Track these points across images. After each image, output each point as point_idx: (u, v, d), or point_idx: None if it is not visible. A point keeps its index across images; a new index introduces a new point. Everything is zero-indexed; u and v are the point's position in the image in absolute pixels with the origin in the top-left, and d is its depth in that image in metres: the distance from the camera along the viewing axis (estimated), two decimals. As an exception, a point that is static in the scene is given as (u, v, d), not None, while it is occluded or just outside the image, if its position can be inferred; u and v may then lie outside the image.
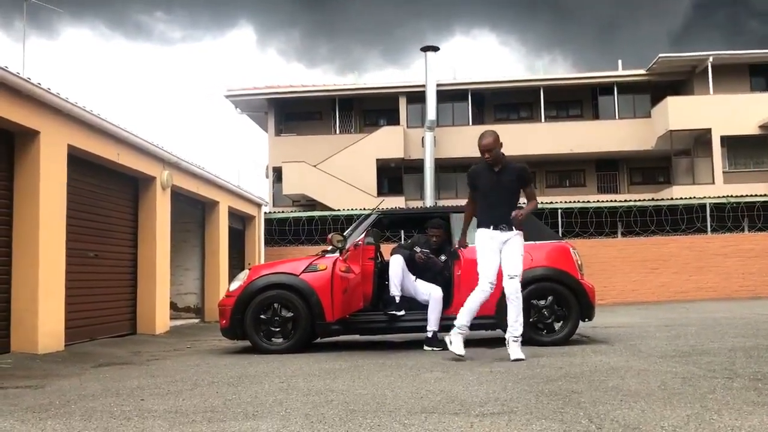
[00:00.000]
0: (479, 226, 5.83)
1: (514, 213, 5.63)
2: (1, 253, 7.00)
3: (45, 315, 7.18)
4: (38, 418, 3.62)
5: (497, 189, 5.76)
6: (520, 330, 5.60)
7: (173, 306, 12.71)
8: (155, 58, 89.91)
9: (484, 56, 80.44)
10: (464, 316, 5.73)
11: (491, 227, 5.71)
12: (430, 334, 6.66)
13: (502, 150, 5.89)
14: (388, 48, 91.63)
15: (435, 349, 6.51)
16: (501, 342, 6.98)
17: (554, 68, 69.48)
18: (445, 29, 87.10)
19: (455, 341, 5.70)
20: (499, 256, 5.69)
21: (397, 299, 6.71)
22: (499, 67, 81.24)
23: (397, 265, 6.74)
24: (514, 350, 5.53)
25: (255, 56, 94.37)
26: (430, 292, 6.73)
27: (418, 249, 6.95)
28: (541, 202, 16.00)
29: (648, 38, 76.93)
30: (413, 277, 6.90)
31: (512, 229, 5.68)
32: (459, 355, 5.62)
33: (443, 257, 7.02)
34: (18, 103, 6.89)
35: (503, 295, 5.79)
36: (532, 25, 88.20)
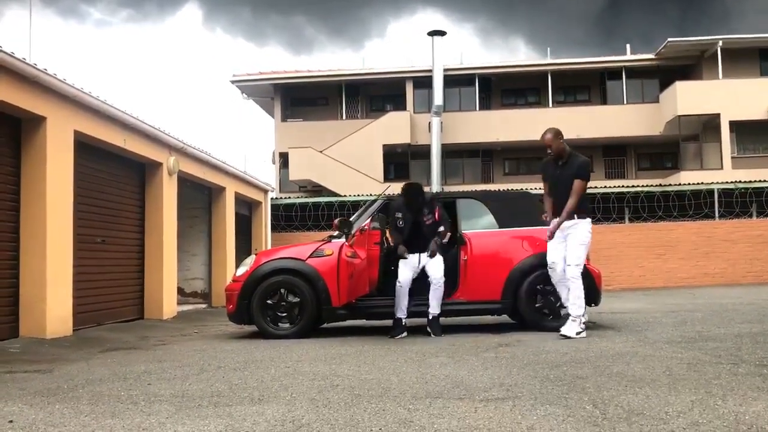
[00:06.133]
0: (552, 215, 6.26)
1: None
2: (9, 239, 7.03)
3: (53, 300, 7.23)
4: (46, 402, 3.65)
5: (558, 182, 6.19)
6: (575, 311, 5.95)
7: (180, 291, 12.76)
8: (96, 38, 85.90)
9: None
10: (574, 308, 6.01)
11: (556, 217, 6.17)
12: (430, 317, 6.65)
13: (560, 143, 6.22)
14: (340, 26, 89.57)
15: (435, 334, 6.48)
16: (506, 327, 7.03)
17: (509, 49, 68.40)
18: (397, 9, 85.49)
19: (570, 328, 5.94)
20: (563, 243, 6.09)
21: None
22: (455, 50, 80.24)
23: (407, 271, 6.72)
24: (565, 327, 5.96)
25: (203, 35, 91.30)
26: (432, 275, 6.64)
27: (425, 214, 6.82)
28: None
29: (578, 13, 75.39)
30: (421, 264, 6.77)
31: (573, 218, 6.04)
32: (580, 334, 5.91)
33: (441, 228, 6.84)
34: (24, 88, 6.89)
35: (509, 281, 6.46)
36: (482, 6, 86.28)
